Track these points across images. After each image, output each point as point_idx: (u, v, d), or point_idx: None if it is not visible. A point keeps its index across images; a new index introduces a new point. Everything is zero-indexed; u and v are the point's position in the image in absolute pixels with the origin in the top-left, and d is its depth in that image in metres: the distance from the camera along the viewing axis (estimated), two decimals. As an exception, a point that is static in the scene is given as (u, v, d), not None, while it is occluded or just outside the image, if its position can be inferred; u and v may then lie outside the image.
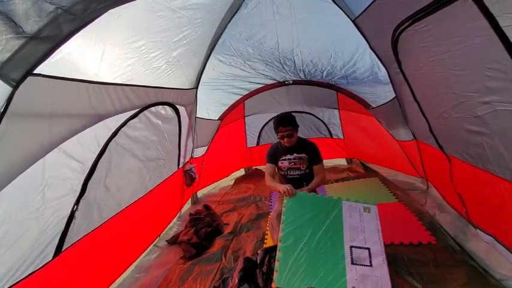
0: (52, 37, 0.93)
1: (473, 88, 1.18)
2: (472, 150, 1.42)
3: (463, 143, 1.47)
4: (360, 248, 1.48)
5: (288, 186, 1.71)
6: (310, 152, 2.03)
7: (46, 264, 1.25)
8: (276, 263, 1.45)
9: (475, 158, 1.42)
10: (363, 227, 1.55)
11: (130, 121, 1.73)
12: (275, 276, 1.41)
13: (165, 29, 1.56)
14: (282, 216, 1.63)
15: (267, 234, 2.22)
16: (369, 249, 1.47)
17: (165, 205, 2.56)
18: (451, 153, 1.70)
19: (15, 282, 1.10)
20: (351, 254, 1.45)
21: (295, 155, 2.04)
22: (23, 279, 1.13)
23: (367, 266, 1.41)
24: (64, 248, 1.35)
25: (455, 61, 1.21)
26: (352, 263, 1.42)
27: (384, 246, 1.48)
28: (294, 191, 1.71)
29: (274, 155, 2.09)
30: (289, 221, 1.60)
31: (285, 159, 2.06)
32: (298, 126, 2.01)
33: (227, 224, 2.55)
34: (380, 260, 1.42)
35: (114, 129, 1.59)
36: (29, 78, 0.95)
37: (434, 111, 1.65)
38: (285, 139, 1.95)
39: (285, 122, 1.96)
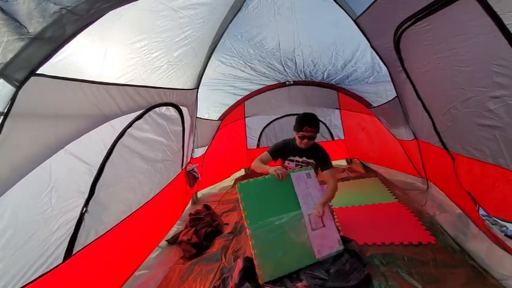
0: (56, 37, 0.94)
1: (482, 83, 1.16)
2: (483, 145, 1.38)
3: (472, 138, 1.44)
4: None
5: (278, 170, 1.69)
6: (321, 158, 1.90)
7: (57, 266, 1.24)
8: (255, 261, 1.51)
9: (485, 153, 1.39)
10: (309, 192, 1.73)
11: (136, 122, 1.71)
12: (259, 273, 1.48)
13: (167, 29, 1.57)
14: (241, 205, 1.62)
15: (267, 234, 2.22)
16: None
17: (171, 206, 2.56)
18: (455, 151, 1.68)
19: (25, 283, 1.09)
20: (310, 222, 1.64)
21: (304, 158, 1.91)
22: (33, 281, 1.12)
23: (322, 227, 1.64)
24: (75, 250, 1.34)
25: (461, 58, 1.20)
26: (312, 230, 1.63)
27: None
28: (285, 174, 1.70)
29: (282, 151, 1.95)
30: (250, 209, 1.62)
31: (292, 160, 1.96)
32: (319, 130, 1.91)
33: (227, 224, 2.56)
34: (328, 218, 1.67)
35: (120, 131, 1.58)
36: (32, 79, 0.95)
37: (440, 108, 1.63)
38: (305, 140, 1.81)
39: (312, 123, 1.79)
